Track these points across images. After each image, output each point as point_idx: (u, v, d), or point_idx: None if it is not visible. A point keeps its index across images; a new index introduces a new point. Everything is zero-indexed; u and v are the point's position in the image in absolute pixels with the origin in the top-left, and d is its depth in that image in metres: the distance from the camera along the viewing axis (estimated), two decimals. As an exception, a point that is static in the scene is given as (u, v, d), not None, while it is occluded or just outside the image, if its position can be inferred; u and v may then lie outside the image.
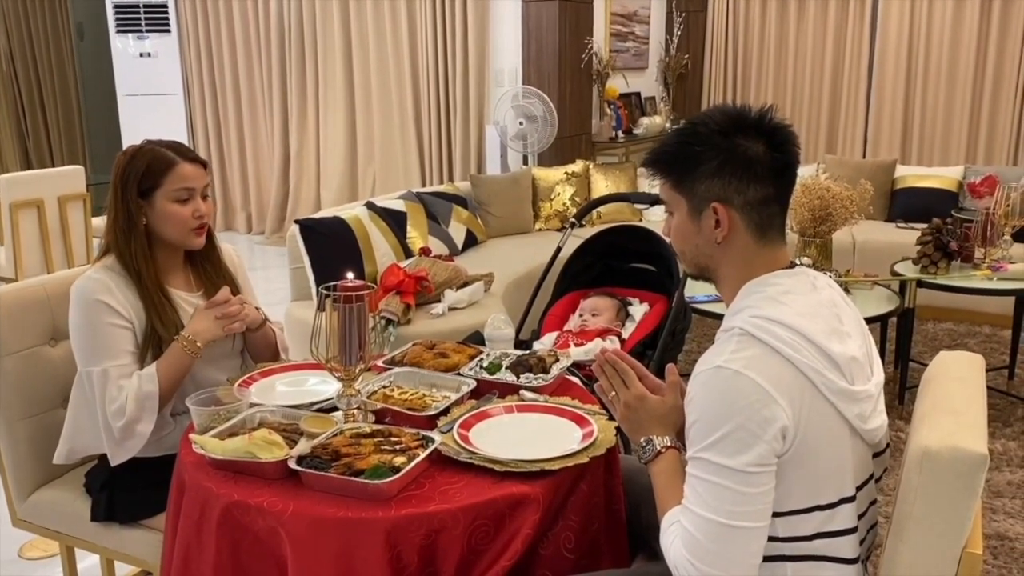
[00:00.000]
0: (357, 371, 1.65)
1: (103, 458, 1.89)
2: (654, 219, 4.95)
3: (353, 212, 3.85)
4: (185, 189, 1.84)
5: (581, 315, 2.80)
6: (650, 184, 4.98)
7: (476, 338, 2.46)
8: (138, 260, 1.84)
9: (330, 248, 3.55)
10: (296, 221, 3.60)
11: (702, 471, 1.24)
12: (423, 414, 1.67)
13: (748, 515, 1.22)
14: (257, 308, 2.01)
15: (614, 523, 1.65)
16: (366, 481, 1.40)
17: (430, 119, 6.25)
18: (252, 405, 1.71)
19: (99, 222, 4.93)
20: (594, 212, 4.85)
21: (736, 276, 1.35)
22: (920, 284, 3.45)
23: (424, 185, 6.24)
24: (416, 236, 4.10)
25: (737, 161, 1.29)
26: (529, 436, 1.63)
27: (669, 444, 1.41)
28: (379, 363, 1.96)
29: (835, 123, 6.66)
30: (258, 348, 2.03)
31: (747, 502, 1.21)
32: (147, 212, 1.84)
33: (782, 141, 1.31)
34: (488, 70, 5.97)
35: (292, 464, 1.46)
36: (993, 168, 5.02)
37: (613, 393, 1.47)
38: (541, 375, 1.88)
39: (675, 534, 1.28)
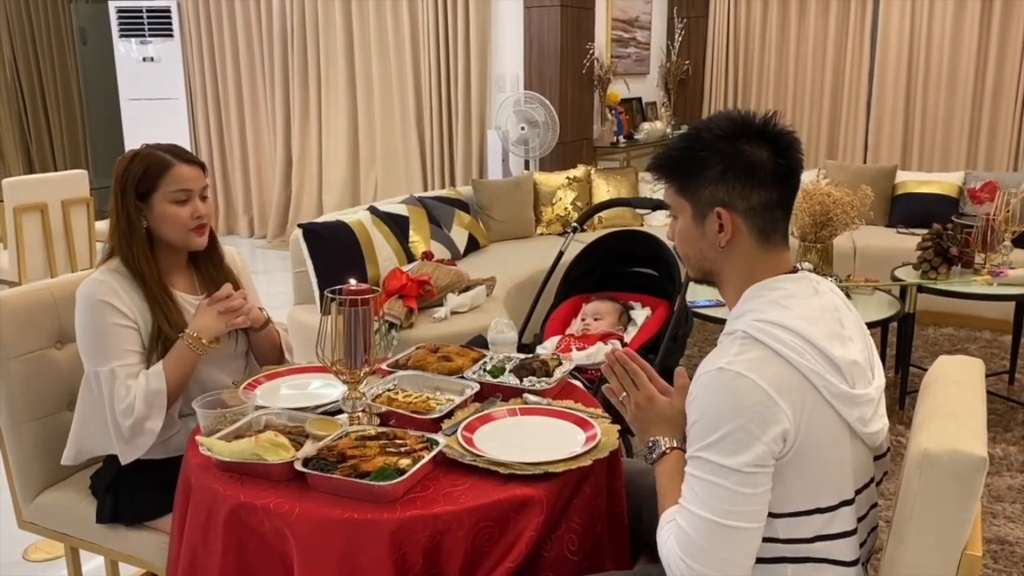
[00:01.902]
0: (362, 374, 1.66)
1: (109, 460, 1.91)
2: (655, 224, 4.96)
3: (356, 216, 3.86)
4: (182, 191, 1.86)
5: (583, 319, 2.81)
6: (652, 189, 4.99)
7: (479, 342, 2.47)
8: (140, 262, 1.86)
9: (333, 252, 3.57)
10: (299, 225, 3.61)
11: (700, 470, 1.25)
12: (427, 417, 1.69)
13: (743, 515, 1.23)
14: (261, 308, 2.03)
15: (616, 525, 1.66)
16: (371, 483, 1.41)
17: (432, 124, 6.28)
18: (258, 408, 1.72)
19: (102, 225, 4.94)
20: (595, 217, 4.87)
21: (739, 280, 1.36)
22: (920, 289, 3.46)
23: (426, 189, 6.26)
24: (418, 240, 4.12)
25: (741, 166, 1.31)
26: (532, 439, 1.64)
27: (675, 445, 1.42)
28: (383, 366, 1.97)
29: (836, 128, 6.67)
30: (263, 348, 2.04)
31: (743, 502, 1.23)
32: (146, 215, 1.86)
33: (786, 147, 1.33)
34: (490, 75, 5.99)
35: (298, 466, 1.47)
36: (993, 174, 5.03)
37: (624, 394, 1.48)
38: (544, 378, 1.90)
39: (669, 532, 1.29)
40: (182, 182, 1.86)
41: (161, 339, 1.85)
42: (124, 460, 1.82)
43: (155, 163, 1.85)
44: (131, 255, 1.86)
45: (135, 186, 1.84)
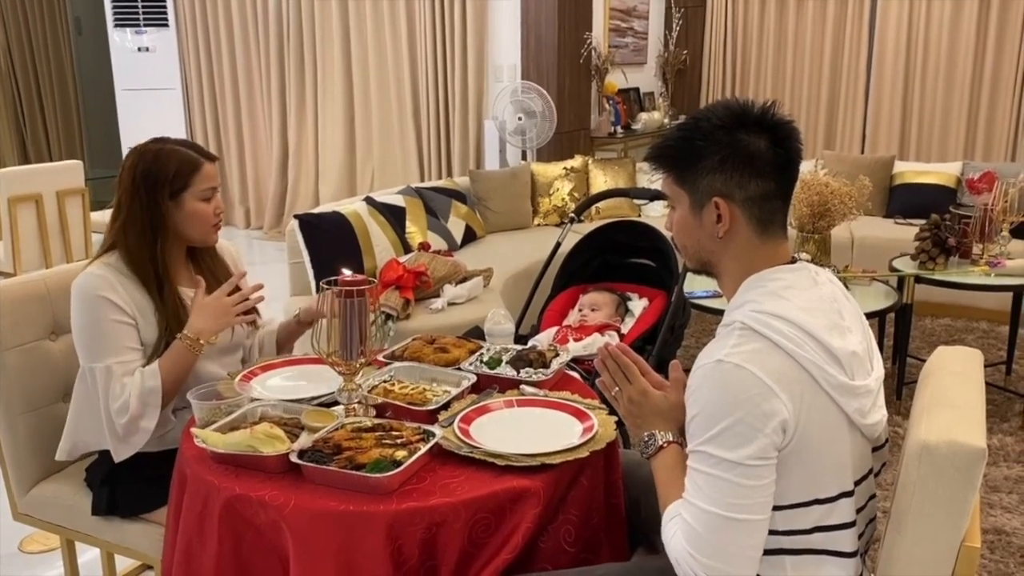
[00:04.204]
0: (358, 366, 1.65)
1: (104, 452, 1.90)
2: (653, 214, 4.95)
3: (352, 207, 3.85)
4: (211, 189, 1.87)
5: (580, 310, 2.80)
6: (650, 179, 4.98)
7: (476, 333, 2.46)
8: (164, 262, 1.85)
9: (329, 243, 3.55)
10: (295, 216, 3.60)
11: (703, 464, 1.25)
12: (424, 408, 1.68)
13: (748, 508, 1.23)
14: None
15: (614, 517, 1.65)
16: (367, 475, 1.41)
17: (429, 114, 6.25)
18: (253, 399, 1.72)
19: (98, 217, 4.92)
20: (593, 207, 4.86)
21: (737, 271, 1.35)
22: (918, 280, 3.45)
23: (423, 180, 6.24)
24: (415, 231, 4.11)
25: (739, 156, 1.30)
26: (529, 430, 1.63)
27: (671, 439, 1.41)
28: (379, 358, 1.96)
29: (834, 119, 6.66)
30: (284, 340, 2.07)
31: (747, 495, 1.22)
32: (174, 213, 1.85)
33: (784, 136, 1.32)
34: (487, 65, 5.97)
35: (293, 458, 1.47)
36: (991, 164, 5.03)
37: (616, 389, 1.48)
38: (541, 370, 1.89)
39: (676, 527, 1.29)
40: (211, 180, 1.87)
41: (168, 337, 1.84)
42: (118, 458, 1.80)
43: (187, 161, 1.84)
44: (147, 254, 1.83)
45: (169, 184, 1.82)
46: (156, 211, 1.83)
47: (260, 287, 1.96)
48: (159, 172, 1.82)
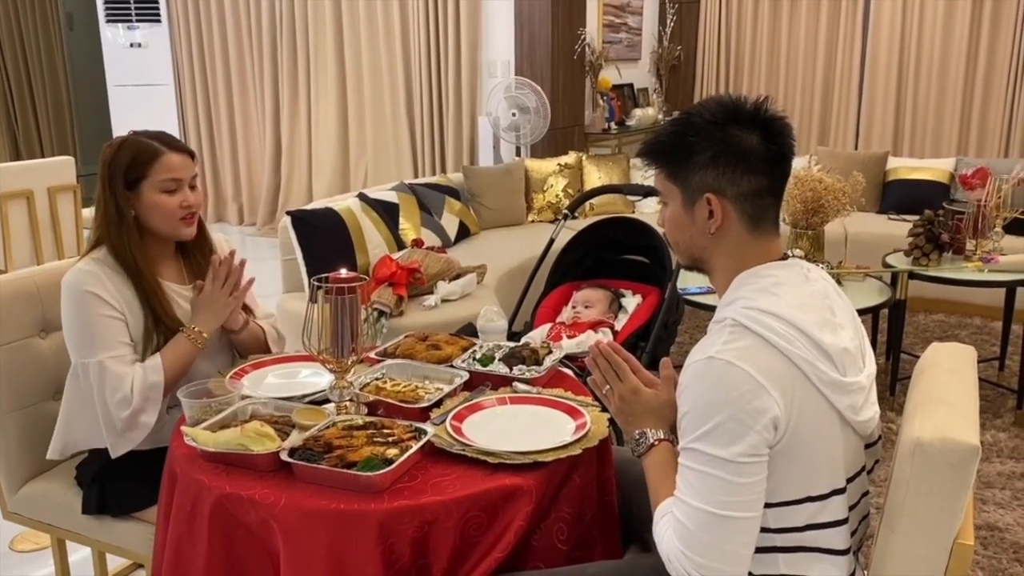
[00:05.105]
0: (349, 363, 1.64)
1: (94, 451, 1.89)
2: (647, 211, 4.94)
3: (345, 203, 3.84)
4: (172, 180, 1.84)
5: (574, 307, 2.80)
6: (644, 175, 4.97)
7: (469, 330, 2.46)
8: (132, 253, 1.83)
9: (322, 240, 3.54)
10: (288, 212, 3.58)
11: (694, 461, 1.24)
12: (416, 406, 1.67)
13: (740, 505, 1.22)
14: (246, 307, 2.01)
15: (607, 515, 1.65)
16: (358, 473, 1.40)
17: (422, 110, 6.23)
18: (244, 397, 1.71)
19: (89, 213, 4.88)
20: (587, 204, 4.85)
21: (729, 267, 1.35)
22: (911, 276, 3.45)
23: (416, 176, 6.22)
24: (409, 228, 4.09)
25: (731, 152, 1.29)
26: (522, 428, 1.62)
27: (663, 437, 1.41)
28: (371, 355, 1.95)
29: (827, 115, 6.66)
30: (246, 345, 2.03)
31: (739, 492, 1.22)
32: (135, 204, 1.84)
33: (777, 132, 1.31)
34: (481, 61, 5.95)
35: (284, 456, 1.46)
36: (984, 160, 5.03)
37: (607, 387, 1.47)
38: (534, 367, 1.88)
39: (667, 525, 1.28)
40: (171, 171, 1.83)
41: (160, 331, 1.83)
42: (115, 453, 1.79)
43: (144, 151, 1.82)
44: (121, 245, 1.83)
45: (123, 174, 1.81)
46: (119, 202, 1.82)
47: (233, 253, 1.94)
48: (116, 162, 1.82)
